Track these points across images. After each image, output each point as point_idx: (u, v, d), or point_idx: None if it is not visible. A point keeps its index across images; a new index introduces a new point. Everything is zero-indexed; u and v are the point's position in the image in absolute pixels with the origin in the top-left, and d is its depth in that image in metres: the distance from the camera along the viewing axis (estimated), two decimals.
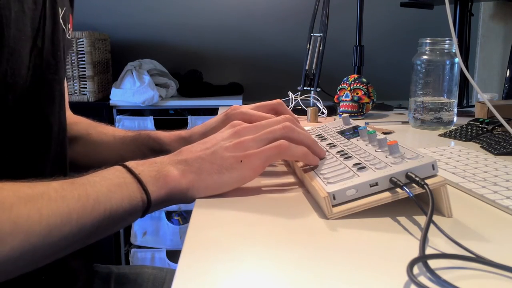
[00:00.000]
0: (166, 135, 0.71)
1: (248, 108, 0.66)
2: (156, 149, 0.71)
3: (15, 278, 0.43)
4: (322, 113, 1.11)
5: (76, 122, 0.77)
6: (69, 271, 0.64)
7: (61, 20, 0.59)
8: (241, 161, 0.49)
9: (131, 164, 0.48)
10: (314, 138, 0.61)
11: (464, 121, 0.92)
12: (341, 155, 0.54)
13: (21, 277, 0.47)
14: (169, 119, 1.80)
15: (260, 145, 0.51)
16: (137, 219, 0.48)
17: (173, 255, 1.77)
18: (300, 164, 0.56)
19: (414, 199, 0.42)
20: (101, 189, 0.44)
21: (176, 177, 0.48)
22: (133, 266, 0.80)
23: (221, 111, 0.72)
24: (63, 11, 0.60)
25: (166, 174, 0.48)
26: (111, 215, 0.44)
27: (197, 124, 0.78)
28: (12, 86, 0.50)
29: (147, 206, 0.46)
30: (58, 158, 0.61)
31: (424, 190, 0.42)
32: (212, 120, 0.69)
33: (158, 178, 0.47)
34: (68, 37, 0.63)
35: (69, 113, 0.76)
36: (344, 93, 1.09)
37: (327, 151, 0.57)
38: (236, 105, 0.67)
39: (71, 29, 0.65)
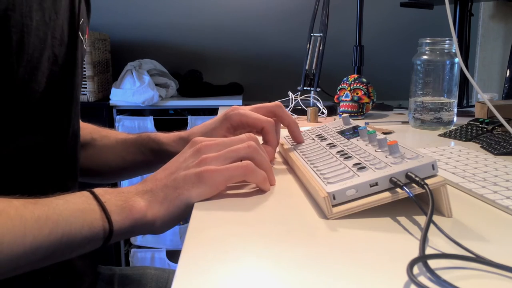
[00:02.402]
0: (165, 136, 0.71)
1: (247, 110, 0.66)
2: (156, 150, 0.71)
3: (21, 278, 0.43)
4: (322, 113, 1.11)
5: (81, 128, 0.78)
6: (75, 272, 0.64)
7: (79, 31, 0.60)
8: (203, 175, 0.48)
9: (98, 191, 0.47)
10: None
11: (464, 121, 0.92)
12: (341, 155, 0.54)
13: (27, 277, 0.47)
14: (169, 119, 1.80)
15: (223, 163, 0.50)
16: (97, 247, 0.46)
17: (173, 255, 1.77)
18: (300, 163, 0.56)
19: (414, 199, 0.42)
20: (62, 213, 0.43)
21: (142, 208, 0.47)
22: (135, 267, 0.81)
23: (221, 111, 0.72)
24: (81, 22, 0.61)
25: (132, 205, 0.46)
26: (68, 240, 0.42)
27: (197, 124, 0.78)
28: (29, 91, 0.50)
29: (109, 236, 0.45)
30: (70, 163, 0.61)
31: (424, 190, 0.42)
32: (211, 121, 0.69)
33: (124, 208, 0.46)
34: (85, 47, 0.64)
35: None
36: (344, 93, 1.09)
37: (327, 151, 0.57)
38: (235, 105, 0.67)
39: (87, 39, 0.66)
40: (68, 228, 0.42)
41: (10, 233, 0.39)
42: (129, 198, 0.47)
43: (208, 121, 0.69)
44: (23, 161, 0.53)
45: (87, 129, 0.78)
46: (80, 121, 0.81)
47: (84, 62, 1.63)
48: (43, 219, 0.41)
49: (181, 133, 0.71)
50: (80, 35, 0.60)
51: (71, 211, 0.43)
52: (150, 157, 0.72)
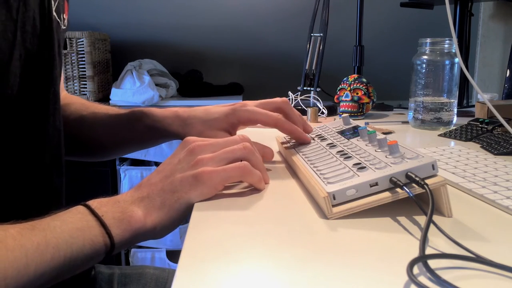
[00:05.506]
0: (160, 111, 0.68)
1: (254, 106, 0.64)
2: (149, 125, 0.68)
3: None
4: (322, 113, 1.11)
5: (69, 103, 0.75)
6: None
7: (54, 13, 0.56)
8: (201, 176, 0.47)
9: (94, 204, 0.46)
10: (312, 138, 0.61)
11: (464, 121, 0.92)
12: (341, 155, 0.54)
13: None
14: None
15: (219, 164, 0.49)
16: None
17: (173, 255, 1.77)
18: (300, 163, 0.56)
19: (414, 199, 0.42)
20: (61, 235, 0.42)
21: (141, 217, 0.46)
22: (135, 267, 0.80)
23: None
24: (56, 3, 0.57)
25: (130, 215, 0.46)
26: (71, 261, 0.42)
27: None
28: (1, 97, 0.48)
29: (110, 249, 0.44)
30: (54, 160, 0.59)
31: (424, 190, 0.42)
32: (215, 109, 0.66)
33: (122, 220, 0.45)
34: (64, 27, 0.61)
35: (64, 94, 0.74)
36: (344, 93, 1.09)
37: (327, 151, 0.57)
38: (244, 102, 0.65)
39: (66, 17, 0.62)
40: (69, 250, 0.42)
41: (13, 266, 0.38)
42: (126, 208, 0.46)
43: (212, 109, 0.66)
44: (1, 162, 0.51)
45: (75, 105, 0.75)
46: (69, 95, 0.78)
47: (84, 62, 1.64)
48: (43, 246, 0.40)
49: (179, 111, 0.67)
50: (56, 16, 0.56)
51: (70, 232, 0.42)
52: (144, 133, 0.69)
